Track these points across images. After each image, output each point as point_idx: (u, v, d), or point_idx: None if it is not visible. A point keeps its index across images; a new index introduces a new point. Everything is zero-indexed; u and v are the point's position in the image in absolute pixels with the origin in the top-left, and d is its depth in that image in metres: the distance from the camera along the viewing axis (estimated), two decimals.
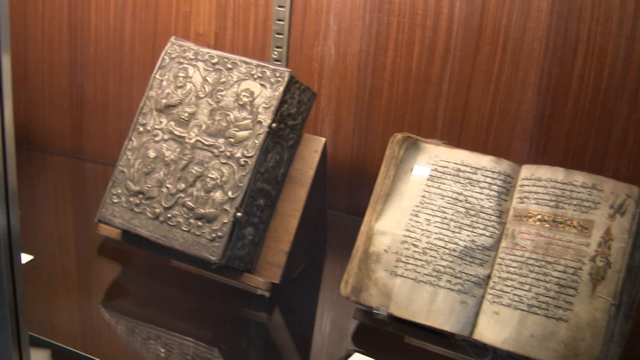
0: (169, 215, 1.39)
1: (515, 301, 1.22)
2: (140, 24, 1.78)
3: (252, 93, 1.40)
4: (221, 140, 1.40)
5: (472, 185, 1.33)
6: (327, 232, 1.67)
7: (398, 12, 1.57)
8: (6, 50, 0.89)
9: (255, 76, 1.41)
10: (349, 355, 1.26)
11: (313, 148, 1.46)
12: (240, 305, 1.42)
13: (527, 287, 1.22)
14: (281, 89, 1.39)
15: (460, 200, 1.32)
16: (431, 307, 1.27)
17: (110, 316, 1.34)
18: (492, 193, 1.31)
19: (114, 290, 1.44)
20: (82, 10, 1.83)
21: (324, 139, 1.46)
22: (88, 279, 1.48)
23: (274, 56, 1.66)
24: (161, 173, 1.42)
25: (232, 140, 1.39)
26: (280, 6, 1.63)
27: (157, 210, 1.40)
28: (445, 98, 1.59)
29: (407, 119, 1.62)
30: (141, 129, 1.46)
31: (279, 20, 1.64)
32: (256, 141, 1.37)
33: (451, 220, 1.31)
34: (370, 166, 1.67)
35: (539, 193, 1.28)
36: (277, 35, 1.65)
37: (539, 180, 1.29)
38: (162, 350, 1.24)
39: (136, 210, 1.42)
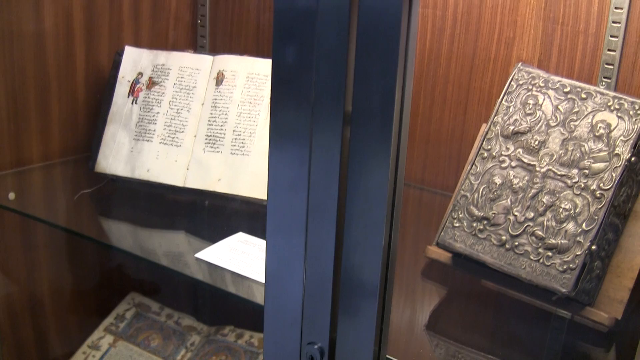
0: (516, 243, 1.38)
1: None
2: (459, 46, 1.78)
3: (608, 125, 1.38)
4: (574, 171, 1.38)
5: None
6: None
7: None
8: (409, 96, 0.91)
9: (612, 108, 1.38)
10: None
11: None
12: (574, 338, 1.40)
13: None
14: None
15: None
16: None
17: (433, 339, 1.35)
18: None
19: (440, 313, 1.45)
20: None
21: None
22: (414, 301, 1.49)
23: (601, 87, 1.63)
24: (508, 200, 1.41)
25: (586, 171, 1.37)
26: (612, 36, 1.60)
27: (503, 237, 1.40)
28: None
29: None
30: (485, 154, 1.46)
31: (609, 50, 1.61)
32: (613, 174, 1.35)
33: None
34: None
35: None
36: (606, 66, 1.62)
37: None
38: None
39: (479, 236, 1.42)
